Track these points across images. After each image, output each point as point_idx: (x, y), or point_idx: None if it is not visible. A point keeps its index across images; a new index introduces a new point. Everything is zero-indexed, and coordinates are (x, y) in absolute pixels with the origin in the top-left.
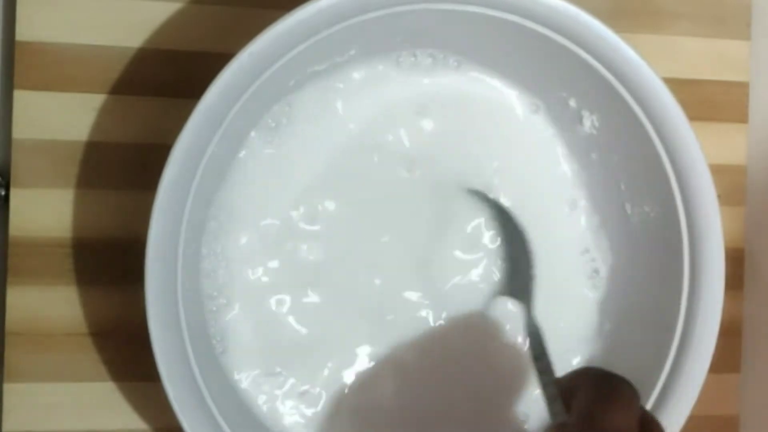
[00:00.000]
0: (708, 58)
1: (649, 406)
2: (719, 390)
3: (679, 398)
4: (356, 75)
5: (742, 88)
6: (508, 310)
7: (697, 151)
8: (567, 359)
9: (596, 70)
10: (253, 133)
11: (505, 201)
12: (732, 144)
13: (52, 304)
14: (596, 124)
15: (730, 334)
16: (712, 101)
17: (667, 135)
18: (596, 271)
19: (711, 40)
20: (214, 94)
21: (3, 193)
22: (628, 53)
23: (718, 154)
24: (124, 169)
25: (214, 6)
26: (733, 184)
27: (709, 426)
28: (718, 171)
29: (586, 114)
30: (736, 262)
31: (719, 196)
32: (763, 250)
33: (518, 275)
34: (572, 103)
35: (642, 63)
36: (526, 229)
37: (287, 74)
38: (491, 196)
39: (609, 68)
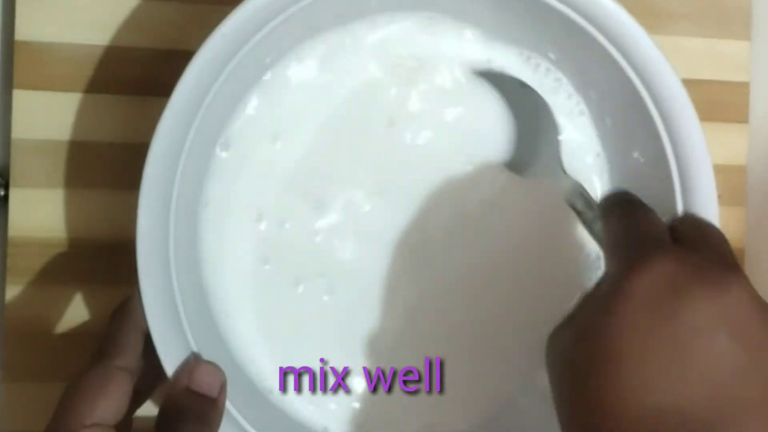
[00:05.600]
0: (708, 58)
1: None
2: None
3: None
4: (334, 41)
5: (742, 88)
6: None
7: (677, 83)
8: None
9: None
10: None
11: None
12: (732, 144)
13: (51, 304)
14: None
15: None
16: (712, 101)
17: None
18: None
19: (711, 40)
20: (194, 71)
21: (2, 193)
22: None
23: (718, 155)
24: (126, 169)
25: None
26: (733, 184)
27: None
28: (718, 171)
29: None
30: None
31: (719, 197)
32: (763, 251)
33: (541, 149)
34: (551, 55)
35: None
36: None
37: (263, 51)
38: (504, 72)
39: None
